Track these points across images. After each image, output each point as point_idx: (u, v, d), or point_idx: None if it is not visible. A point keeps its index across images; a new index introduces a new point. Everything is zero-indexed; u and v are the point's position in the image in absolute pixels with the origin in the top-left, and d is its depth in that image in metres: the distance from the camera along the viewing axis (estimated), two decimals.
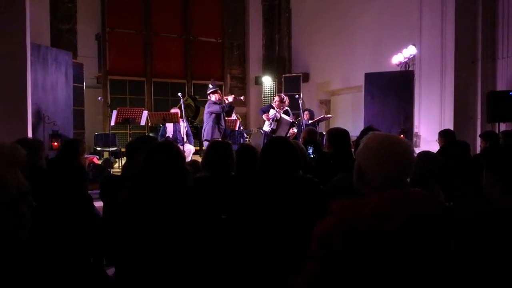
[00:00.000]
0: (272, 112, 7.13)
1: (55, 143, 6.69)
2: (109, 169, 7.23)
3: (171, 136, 7.84)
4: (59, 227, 2.18)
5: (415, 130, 7.52)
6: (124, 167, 3.15)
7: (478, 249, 1.38)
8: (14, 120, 5.51)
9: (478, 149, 5.44)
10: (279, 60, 12.68)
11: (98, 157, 8.32)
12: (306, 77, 11.88)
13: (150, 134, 8.38)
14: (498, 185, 1.44)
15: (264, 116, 7.26)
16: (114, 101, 10.46)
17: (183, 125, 7.75)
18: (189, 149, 7.59)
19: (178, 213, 1.87)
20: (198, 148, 8.88)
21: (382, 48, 8.85)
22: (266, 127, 7.21)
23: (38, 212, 1.09)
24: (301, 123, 8.20)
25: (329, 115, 9.88)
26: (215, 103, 7.12)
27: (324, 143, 4.89)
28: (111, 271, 2.55)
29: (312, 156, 4.07)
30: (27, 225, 1.04)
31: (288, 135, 7.06)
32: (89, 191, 3.19)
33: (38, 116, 6.99)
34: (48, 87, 7.39)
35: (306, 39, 11.97)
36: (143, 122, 7.92)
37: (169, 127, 7.93)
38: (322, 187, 2.42)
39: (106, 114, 9.52)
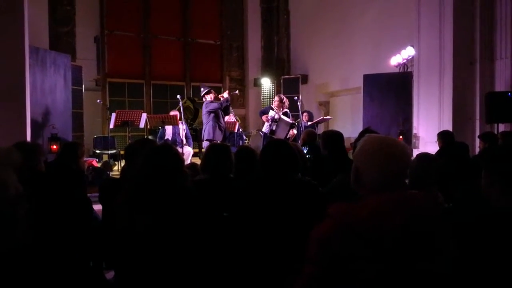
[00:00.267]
0: (271, 112, 7.13)
1: (54, 146, 6.69)
2: (108, 172, 7.24)
3: (170, 138, 7.85)
4: (58, 230, 2.18)
5: (414, 131, 7.52)
6: (123, 170, 3.15)
7: (477, 249, 1.39)
8: (12, 123, 5.49)
9: (477, 150, 5.44)
10: (278, 62, 12.69)
11: (97, 160, 8.30)
12: (305, 78, 11.89)
13: (149, 137, 8.38)
14: (496, 185, 1.45)
15: (263, 118, 7.26)
16: (113, 103, 10.44)
17: (182, 128, 7.74)
18: (188, 152, 7.60)
19: (177, 215, 1.88)
20: (197, 150, 8.88)
21: (381, 50, 8.86)
22: (265, 128, 7.22)
23: (37, 215, 1.09)
24: (300, 125, 8.20)
25: (328, 117, 9.87)
26: (212, 101, 7.13)
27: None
28: (110, 274, 2.55)
29: (307, 156, 4.08)
30: (22, 227, 1.04)
31: (287, 137, 7.07)
32: (88, 194, 3.19)
33: (37, 119, 6.97)
34: (46, 90, 7.38)
35: (305, 40, 11.98)
36: (142, 125, 7.92)
37: (168, 129, 7.93)
38: (321, 189, 2.42)
39: (105, 117, 9.52)
